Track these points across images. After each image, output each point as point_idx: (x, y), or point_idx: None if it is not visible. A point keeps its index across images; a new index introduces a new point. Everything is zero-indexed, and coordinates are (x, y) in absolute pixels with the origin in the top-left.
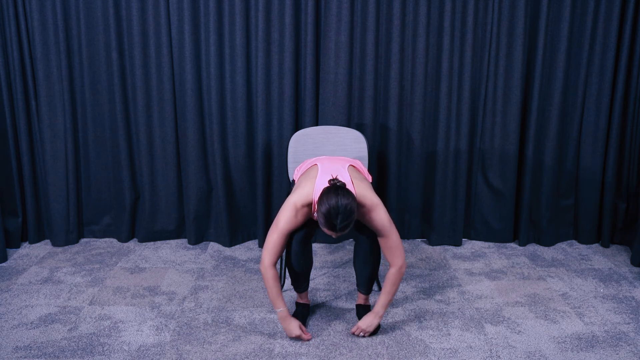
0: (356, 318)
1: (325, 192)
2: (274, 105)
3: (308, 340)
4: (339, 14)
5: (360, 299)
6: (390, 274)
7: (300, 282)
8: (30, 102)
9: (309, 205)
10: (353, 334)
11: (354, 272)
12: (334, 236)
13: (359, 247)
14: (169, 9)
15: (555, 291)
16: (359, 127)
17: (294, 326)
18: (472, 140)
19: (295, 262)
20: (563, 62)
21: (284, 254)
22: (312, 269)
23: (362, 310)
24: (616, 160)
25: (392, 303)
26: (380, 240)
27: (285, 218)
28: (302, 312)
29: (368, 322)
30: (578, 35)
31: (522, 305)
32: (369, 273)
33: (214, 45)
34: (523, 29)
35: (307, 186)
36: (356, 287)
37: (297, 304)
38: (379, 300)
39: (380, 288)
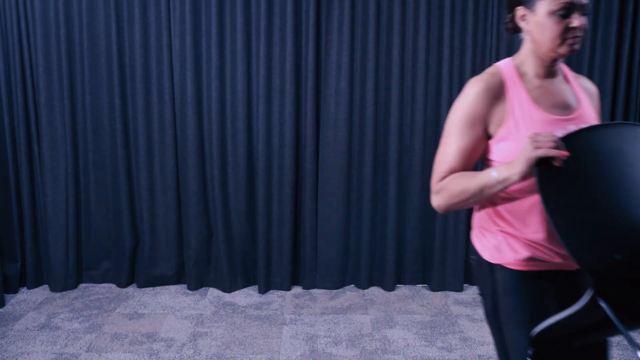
0: None
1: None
2: (274, 150)
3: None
4: (338, 61)
5: None
6: None
7: None
8: (32, 147)
9: (496, 75)
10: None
11: (354, 318)
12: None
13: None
14: (172, 55)
15: None
16: (359, 173)
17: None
18: None
19: None
20: None
21: None
22: (312, 314)
23: None
24: None
25: (393, 351)
26: None
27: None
28: None
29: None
30: None
31: None
32: None
33: (216, 91)
34: None
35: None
36: None
37: None
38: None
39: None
